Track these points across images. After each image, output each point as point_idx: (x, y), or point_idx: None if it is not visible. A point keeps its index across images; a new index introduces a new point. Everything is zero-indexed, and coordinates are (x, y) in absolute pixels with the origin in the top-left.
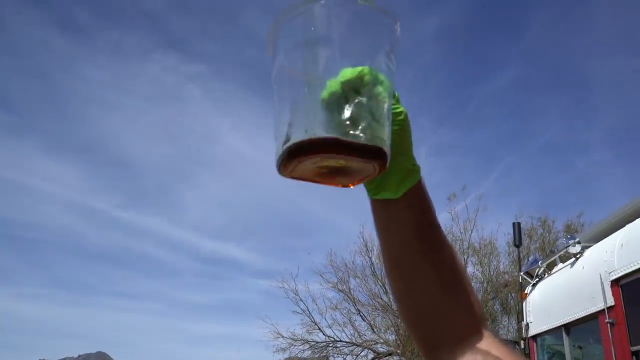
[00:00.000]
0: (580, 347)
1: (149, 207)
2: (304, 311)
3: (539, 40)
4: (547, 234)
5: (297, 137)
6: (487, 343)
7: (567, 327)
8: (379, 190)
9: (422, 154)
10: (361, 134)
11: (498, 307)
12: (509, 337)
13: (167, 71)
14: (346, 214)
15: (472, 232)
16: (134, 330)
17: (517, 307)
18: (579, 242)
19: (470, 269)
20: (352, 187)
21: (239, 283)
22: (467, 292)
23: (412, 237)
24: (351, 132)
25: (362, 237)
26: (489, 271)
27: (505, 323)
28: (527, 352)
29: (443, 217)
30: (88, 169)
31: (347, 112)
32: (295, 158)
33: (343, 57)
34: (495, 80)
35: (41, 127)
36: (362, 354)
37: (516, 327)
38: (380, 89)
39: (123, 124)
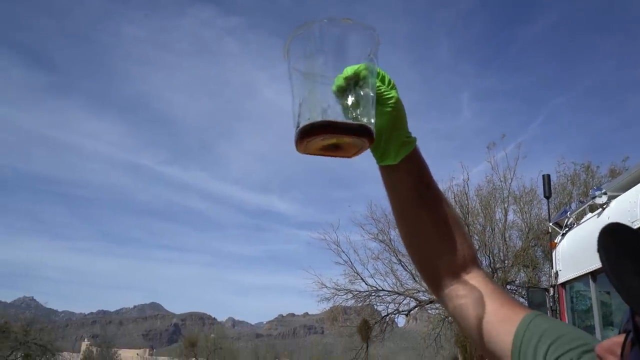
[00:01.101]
0: (608, 293)
1: (192, 162)
2: (346, 262)
3: None
4: (591, 180)
5: (303, 123)
6: (477, 279)
7: (594, 274)
8: (383, 158)
9: (464, 100)
10: (360, 116)
11: (540, 253)
12: (550, 283)
13: (204, 25)
14: None
15: (512, 181)
16: (184, 282)
17: None
18: (605, 193)
19: (510, 217)
20: (351, 157)
21: (282, 235)
22: (461, 237)
23: (411, 194)
24: (354, 114)
25: None
26: (530, 218)
27: (547, 269)
28: (556, 298)
29: (483, 167)
30: (130, 126)
31: (350, 99)
32: (305, 139)
33: (338, 60)
34: (537, 22)
35: (83, 86)
36: (405, 302)
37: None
38: (373, 80)
39: (163, 80)
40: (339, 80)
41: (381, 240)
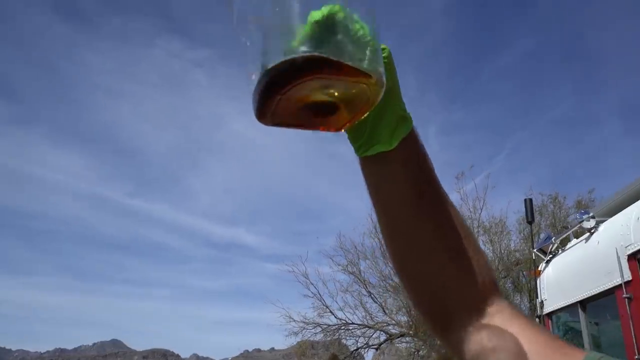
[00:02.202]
0: (597, 324)
1: (158, 194)
2: (314, 295)
3: (547, 13)
4: (558, 211)
5: (276, 60)
6: (503, 315)
7: (583, 303)
8: (370, 143)
9: (431, 133)
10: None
11: (510, 285)
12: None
13: (173, 57)
14: (354, 196)
15: (481, 211)
16: (147, 317)
17: (528, 285)
18: (593, 217)
19: None
20: (343, 130)
21: (249, 268)
22: (476, 255)
23: (410, 194)
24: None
25: (372, 219)
26: (500, 250)
27: (517, 301)
28: None
29: (452, 197)
30: (96, 158)
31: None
32: (276, 90)
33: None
34: (503, 56)
35: (46, 116)
36: (374, 335)
37: (528, 305)
38: (357, 26)
39: (129, 111)
40: (307, 27)
41: (350, 272)
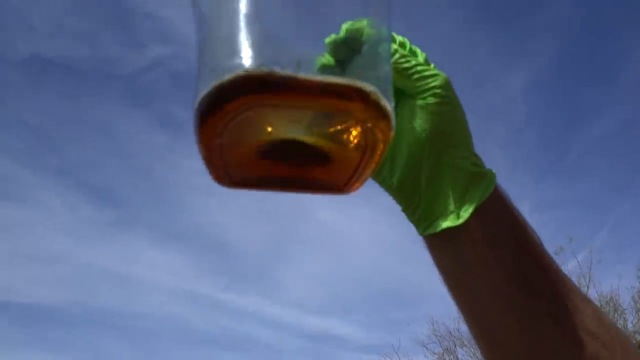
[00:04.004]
0: None
1: (250, 286)
2: None
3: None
4: None
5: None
6: None
7: None
8: (430, 216)
9: (525, 211)
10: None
11: None
12: None
13: None
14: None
15: (588, 289)
16: None
17: None
18: None
19: None
20: (346, 193)
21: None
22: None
23: (505, 285)
24: None
25: None
26: None
27: None
28: None
29: None
30: (190, 255)
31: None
32: (205, 129)
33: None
34: (594, 126)
35: (145, 218)
36: None
37: None
38: (387, 46)
39: (219, 208)
40: (330, 45)
41: None
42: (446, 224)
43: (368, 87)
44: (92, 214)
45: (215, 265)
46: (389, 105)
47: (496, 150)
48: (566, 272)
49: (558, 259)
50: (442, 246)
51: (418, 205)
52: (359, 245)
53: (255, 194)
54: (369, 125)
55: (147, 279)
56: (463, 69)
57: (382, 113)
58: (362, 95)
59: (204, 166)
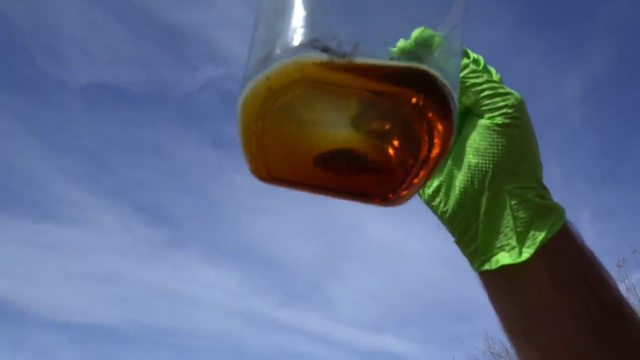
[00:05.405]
0: None
1: (303, 303)
2: None
3: None
4: None
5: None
6: None
7: None
8: (487, 251)
9: (585, 220)
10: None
11: None
12: None
13: None
14: None
15: None
16: None
17: None
18: None
19: None
20: (400, 203)
21: None
22: None
23: (576, 336)
24: None
25: None
26: None
27: None
28: None
29: None
30: (244, 273)
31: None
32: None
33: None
34: None
35: (199, 237)
36: None
37: None
38: (456, 61)
39: (273, 225)
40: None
41: None
42: (506, 260)
43: (434, 71)
44: (147, 233)
45: (268, 283)
46: (453, 105)
47: (550, 158)
48: (632, 284)
49: (620, 272)
50: (501, 285)
51: (474, 238)
52: (412, 259)
53: (307, 211)
54: (429, 115)
55: (201, 297)
56: (514, 74)
57: (445, 107)
58: (426, 79)
59: (242, 155)
